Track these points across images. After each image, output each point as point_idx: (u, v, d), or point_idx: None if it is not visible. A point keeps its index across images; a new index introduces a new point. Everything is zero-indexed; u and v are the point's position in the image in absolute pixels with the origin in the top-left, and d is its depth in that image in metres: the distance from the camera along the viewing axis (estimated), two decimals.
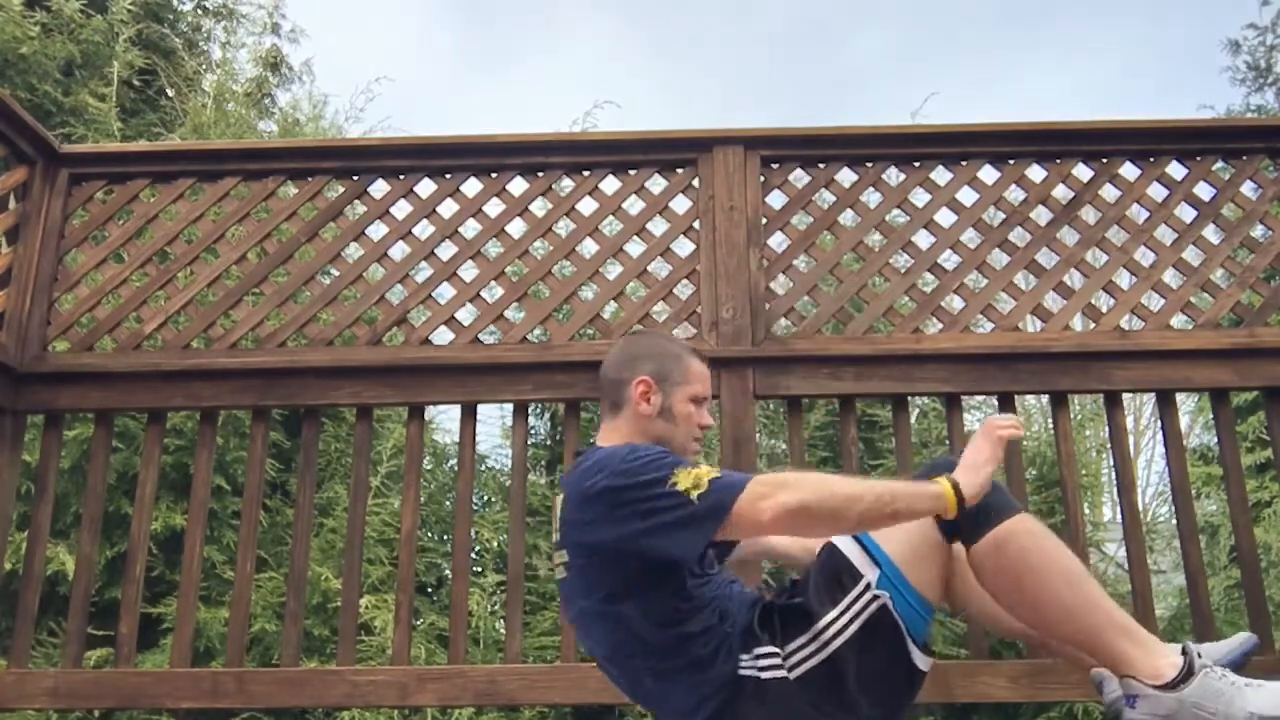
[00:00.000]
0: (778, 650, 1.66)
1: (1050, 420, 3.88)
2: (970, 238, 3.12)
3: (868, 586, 1.66)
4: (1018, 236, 3.11)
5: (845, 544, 1.71)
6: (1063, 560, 1.69)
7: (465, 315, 3.10)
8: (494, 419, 5.90)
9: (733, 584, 1.85)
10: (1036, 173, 3.12)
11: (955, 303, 3.07)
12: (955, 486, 1.64)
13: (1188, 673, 1.64)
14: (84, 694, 2.83)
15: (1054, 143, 3.14)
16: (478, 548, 5.36)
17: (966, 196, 3.10)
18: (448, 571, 5.10)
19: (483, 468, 5.81)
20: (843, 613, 1.65)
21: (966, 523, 1.66)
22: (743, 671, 1.66)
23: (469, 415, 3.03)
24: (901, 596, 1.66)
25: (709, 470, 1.65)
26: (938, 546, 1.69)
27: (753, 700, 1.64)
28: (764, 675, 1.64)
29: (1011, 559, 1.66)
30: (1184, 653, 1.68)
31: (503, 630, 4.78)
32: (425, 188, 3.18)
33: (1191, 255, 3.04)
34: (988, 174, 3.12)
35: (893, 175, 3.19)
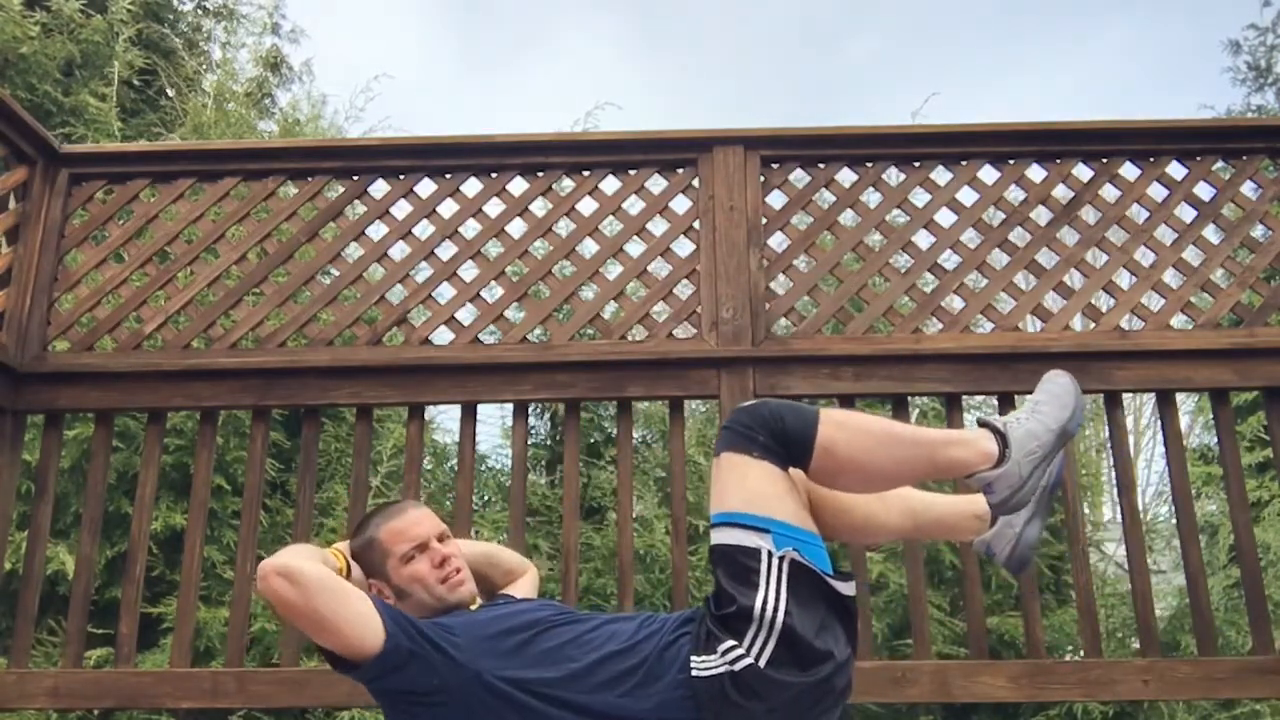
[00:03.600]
0: (737, 643, 1.67)
1: None
2: (970, 238, 3.12)
3: (770, 554, 1.68)
4: (1018, 236, 3.11)
5: (723, 535, 1.73)
6: (877, 429, 1.79)
7: (465, 315, 3.10)
8: (494, 419, 5.90)
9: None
10: (1036, 173, 3.12)
11: (955, 303, 3.07)
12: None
13: (1003, 435, 1.78)
14: (84, 694, 2.83)
15: (1054, 143, 3.14)
16: None
17: (966, 196, 3.10)
18: None
19: (483, 468, 5.81)
20: (766, 588, 1.66)
21: (792, 453, 1.72)
22: (715, 670, 1.67)
23: (469, 415, 3.03)
24: (801, 542, 1.70)
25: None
26: (786, 478, 1.73)
27: (736, 692, 1.65)
28: (737, 667, 1.66)
29: (843, 458, 1.73)
30: (986, 425, 1.81)
31: None
32: (425, 188, 3.18)
33: (1191, 255, 3.03)
34: (988, 174, 3.12)
35: (893, 175, 3.19)
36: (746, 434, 1.73)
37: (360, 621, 1.66)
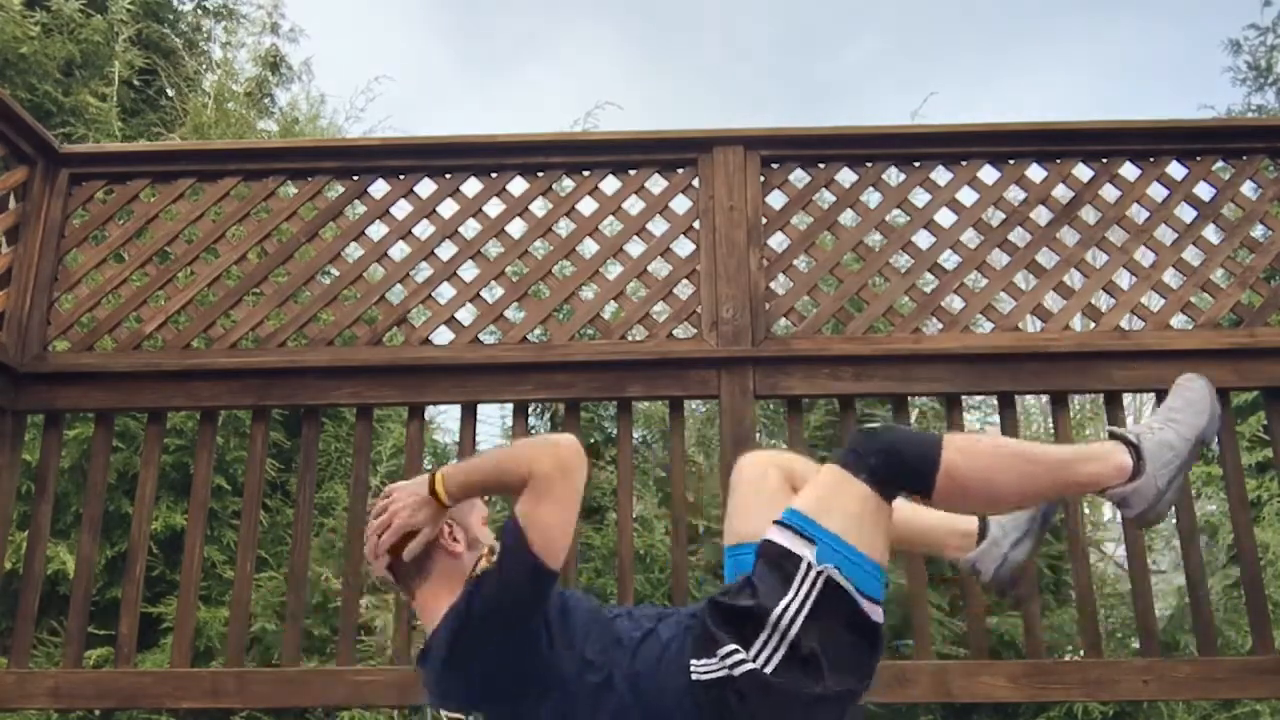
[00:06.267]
0: (740, 648, 1.65)
1: (1050, 420, 3.88)
2: (970, 238, 3.12)
3: (809, 565, 1.66)
4: (1018, 236, 3.11)
5: (777, 534, 1.71)
6: (1004, 449, 1.76)
7: (465, 315, 3.10)
8: (494, 419, 5.92)
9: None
10: (1036, 173, 3.12)
11: (955, 303, 3.07)
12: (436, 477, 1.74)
13: (1136, 448, 1.74)
14: (84, 694, 2.84)
15: (1054, 143, 3.14)
16: None
17: (966, 196, 3.10)
18: None
19: None
20: (794, 596, 1.65)
21: (907, 480, 1.69)
22: (714, 675, 1.64)
23: (469, 415, 3.03)
24: (852, 563, 1.67)
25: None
26: (880, 511, 1.70)
27: (734, 697, 1.63)
28: (736, 672, 1.63)
29: (971, 483, 1.70)
30: (1118, 438, 1.76)
31: None
32: (425, 188, 3.18)
33: (1191, 255, 3.04)
34: (988, 174, 3.12)
35: (893, 175, 3.19)
36: (859, 455, 1.70)
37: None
